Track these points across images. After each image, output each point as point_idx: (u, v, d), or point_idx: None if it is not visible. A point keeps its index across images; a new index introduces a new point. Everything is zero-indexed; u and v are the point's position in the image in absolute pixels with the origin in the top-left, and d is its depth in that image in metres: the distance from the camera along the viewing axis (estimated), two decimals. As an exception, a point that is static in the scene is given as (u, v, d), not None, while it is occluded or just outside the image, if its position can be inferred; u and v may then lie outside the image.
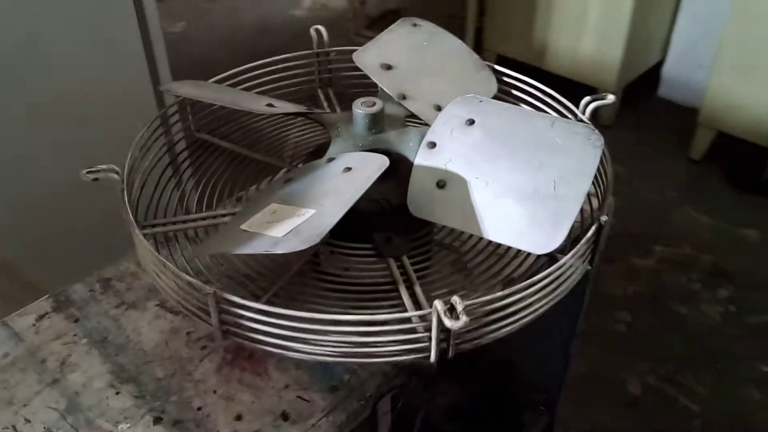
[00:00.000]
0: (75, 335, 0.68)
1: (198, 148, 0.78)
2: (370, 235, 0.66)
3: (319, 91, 0.86)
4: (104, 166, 0.63)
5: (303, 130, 0.82)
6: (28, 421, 0.61)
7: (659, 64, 2.41)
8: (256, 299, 0.59)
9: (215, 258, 0.64)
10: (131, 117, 0.72)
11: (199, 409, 0.62)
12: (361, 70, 0.84)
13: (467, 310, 0.50)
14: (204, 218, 0.69)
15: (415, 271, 0.63)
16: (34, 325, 0.69)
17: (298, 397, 0.63)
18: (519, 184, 0.60)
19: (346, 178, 0.59)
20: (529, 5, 2.26)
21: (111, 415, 0.61)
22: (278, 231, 0.54)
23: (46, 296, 0.71)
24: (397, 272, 0.63)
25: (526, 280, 0.68)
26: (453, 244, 0.69)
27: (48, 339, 0.68)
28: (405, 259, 0.64)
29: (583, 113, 0.71)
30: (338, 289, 0.62)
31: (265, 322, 0.54)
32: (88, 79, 1.12)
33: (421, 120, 0.72)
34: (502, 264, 0.67)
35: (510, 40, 2.37)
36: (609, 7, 2.12)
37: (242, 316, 0.55)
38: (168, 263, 0.56)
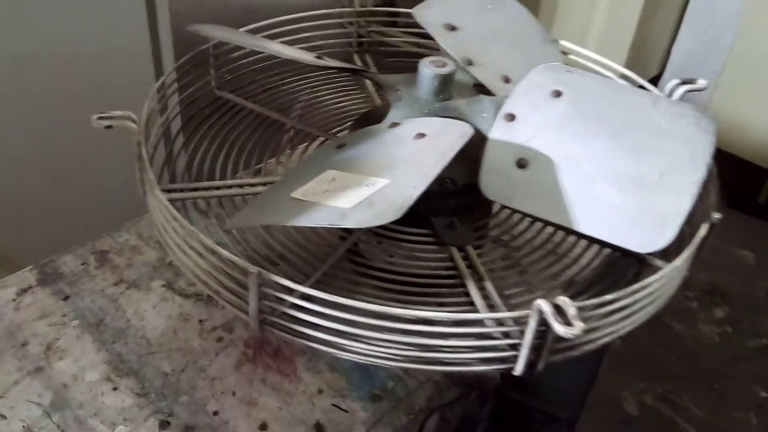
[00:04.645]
0: (64, 315, 0.56)
1: (218, 109, 0.67)
2: (427, 219, 0.56)
3: (356, 56, 0.75)
4: (119, 113, 0.52)
5: (340, 95, 0.71)
6: (2, 416, 0.49)
7: (656, 78, 2.36)
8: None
9: (232, 235, 0.53)
10: (127, 89, 0.60)
11: (215, 413, 0.51)
12: (405, 37, 0.74)
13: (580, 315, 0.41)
14: (229, 186, 0.58)
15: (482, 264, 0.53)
16: (14, 300, 0.57)
17: (334, 405, 0.53)
18: (618, 169, 0.51)
19: (419, 146, 0.49)
20: (532, 8, 2.18)
21: (107, 415, 0.50)
22: (344, 201, 0.43)
23: (30, 267, 0.60)
24: (462, 264, 0.53)
25: (588, 283, 0.59)
26: (501, 238, 0.60)
27: (31, 318, 0.56)
28: (470, 249, 0.54)
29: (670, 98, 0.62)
30: (387, 281, 0.52)
31: (317, 312, 0.44)
32: (85, 38, 0.99)
33: (487, 91, 0.62)
34: (562, 265, 0.57)
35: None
36: (614, 17, 2.06)
37: (284, 302, 0.44)
38: (198, 233, 0.45)
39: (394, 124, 0.53)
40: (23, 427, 0.49)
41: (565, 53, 0.69)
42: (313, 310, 0.44)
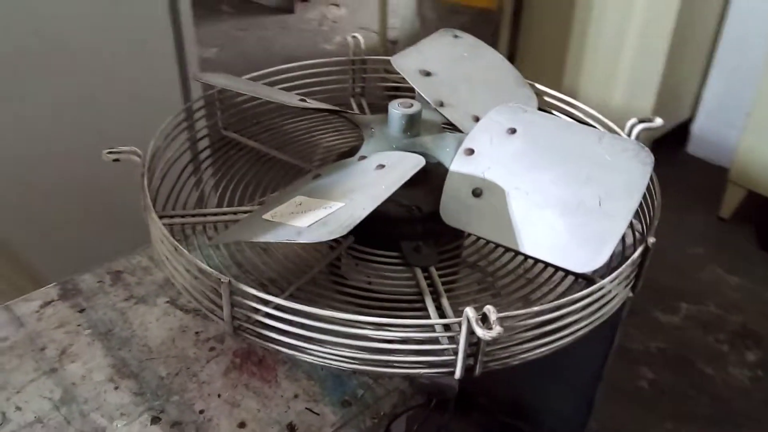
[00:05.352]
0: (79, 325, 0.64)
1: (223, 146, 0.76)
2: (397, 242, 0.62)
3: (352, 99, 0.83)
4: (126, 148, 0.60)
5: (334, 134, 0.79)
6: (18, 408, 0.57)
7: (688, 121, 2.38)
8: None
9: (226, 257, 0.61)
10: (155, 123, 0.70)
11: (201, 412, 0.58)
12: (397, 82, 0.81)
13: (501, 322, 0.46)
14: (224, 213, 0.66)
15: (443, 284, 0.59)
16: (37, 311, 0.65)
17: (307, 408, 0.59)
18: (562, 196, 0.57)
19: (378, 175, 0.56)
20: (560, 53, 2.24)
21: (107, 410, 0.57)
22: (303, 221, 0.50)
23: (53, 284, 0.68)
24: (423, 283, 0.59)
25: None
26: (479, 264, 0.65)
27: (50, 327, 0.64)
28: (433, 270, 0.60)
29: (629, 135, 0.68)
30: (359, 297, 0.58)
31: (281, 318, 0.50)
32: (116, 79, 1.11)
33: (458, 129, 0.68)
34: (531, 288, 0.62)
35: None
36: (641, 59, 2.10)
37: (257, 311, 0.51)
38: (181, 248, 0.53)
39: (362, 158, 0.60)
40: (34, 417, 0.56)
41: (539, 95, 0.75)
42: (279, 317, 0.50)
